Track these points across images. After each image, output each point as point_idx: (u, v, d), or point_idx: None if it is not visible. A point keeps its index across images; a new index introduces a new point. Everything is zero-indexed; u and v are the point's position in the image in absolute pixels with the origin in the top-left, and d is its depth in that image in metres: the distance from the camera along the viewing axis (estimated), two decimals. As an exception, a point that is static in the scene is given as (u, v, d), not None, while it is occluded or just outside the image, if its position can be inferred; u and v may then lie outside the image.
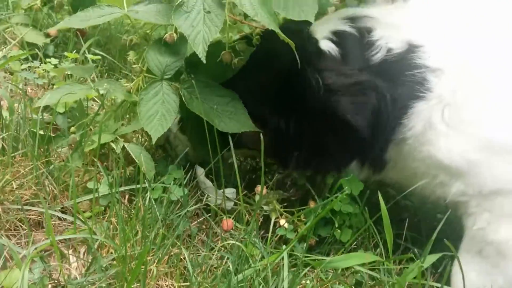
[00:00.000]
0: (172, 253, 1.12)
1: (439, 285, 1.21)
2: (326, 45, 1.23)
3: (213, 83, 1.34)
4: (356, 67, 1.19)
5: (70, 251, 1.11)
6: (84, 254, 1.12)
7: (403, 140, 1.21)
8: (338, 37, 1.24)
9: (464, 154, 1.15)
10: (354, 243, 1.36)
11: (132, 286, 1.01)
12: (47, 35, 2.19)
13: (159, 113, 1.23)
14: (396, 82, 1.17)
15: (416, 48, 1.17)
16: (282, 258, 1.12)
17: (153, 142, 1.20)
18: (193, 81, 1.28)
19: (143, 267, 0.98)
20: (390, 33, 1.20)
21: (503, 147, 1.12)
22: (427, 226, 1.51)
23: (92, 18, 1.31)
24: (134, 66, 1.33)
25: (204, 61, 1.13)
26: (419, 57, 1.16)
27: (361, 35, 1.22)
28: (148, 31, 1.38)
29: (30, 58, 2.02)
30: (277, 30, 1.13)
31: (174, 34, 1.25)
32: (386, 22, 1.23)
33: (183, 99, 1.29)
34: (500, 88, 1.15)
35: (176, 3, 1.16)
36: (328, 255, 1.33)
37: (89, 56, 1.99)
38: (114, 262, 1.04)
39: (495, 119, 1.14)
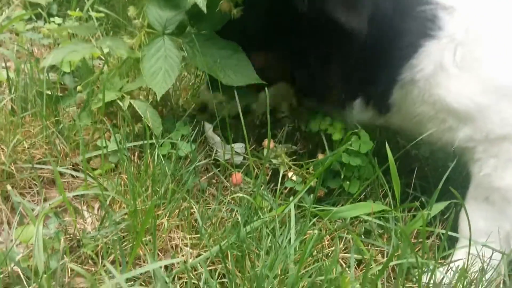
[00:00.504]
0: (182, 207, 1.15)
1: (442, 231, 1.22)
2: None
3: (215, 36, 1.31)
4: None
5: (84, 207, 1.14)
6: (98, 209, 1.15)
7: (412, 82, 1.18)
8: None
9: (474, 97, 1.13)
10: (363, 194, 1.38)
11: (144, 238, 1.05)
12: (51, -5, 2.17)
13: (162, 69, 1.23)
14: (408, 13, 1.14)
15: None
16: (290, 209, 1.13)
17: (158, 98, 1.20)
18: (193, 35, 1.26)
19: (153, 220, 1.00)
20: None
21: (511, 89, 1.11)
22: (436, 175, 1.51)
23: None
24: (134, 21, 1.31)
25: (205, 11, 1.11)
26: None
27: None
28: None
29: (34, 18, 2.01)
30: None
31: None
32: None
33: (186, 54, 1.28)
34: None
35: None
36: (337, 206, 1.36)
37: (93, 14, 1.97)
38: (126, 216, 1.07)
39: (507, 61, 1.12)
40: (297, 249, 1.07)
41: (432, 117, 1.21)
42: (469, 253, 1.14)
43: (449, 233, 1.25)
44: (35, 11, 1.98)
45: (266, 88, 1.32)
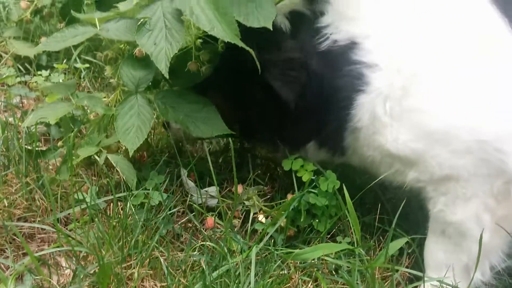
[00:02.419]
0: (152, 256, 1.22)
1: (403, 268, 1.28)
2: (281, 20, 1.30)
3: (186, 91, 1.42)
4: (297, 44, 1.27)
5: (62, 259, 1.22)
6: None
7: (357, 129, 1.28)
8: (293, 16, 1.31)
9: (408, 143, 1.21)
10: (333, 231, 1.45)
11: (116, 289, 1.12)
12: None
13: (135, 125, 1.32)
14: (338, 73, 1.25)
15: (355, 45, 1.23)
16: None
17: (130, 154, 1.28)
18: (166, 92, 1.36)
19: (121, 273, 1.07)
20: (337, 23, 1.26)
21: (441, 135, 1.18)
22: (407, 208, 1.57)
23: (67, 39, 1.39)
24: (111, 80, 1.41)
25: (167, 77, 1.20)
26: (356, 54, 1.23)
27: (314, 16, 1.28)
28: (121, 46, 1.45)
29: (23, 70, 2.12)
30: (235, 41, 1.19)
31: (143, 49, 1.32)
32: (337, 10, 1.28)
33: (158, 109, 1.37)
34: (434, 79, 1.20)
35: (139, 23, 1.23)
36: (308, 244, 1.42)
37: (79, 65, 2.08)
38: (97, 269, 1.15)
39: (432, 109, 1.19)
40: (260, 292, 1.14)
41: (381, 161, 1.29)
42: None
43: (409, 270, 1.32)
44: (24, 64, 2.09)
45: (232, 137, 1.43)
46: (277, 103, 1.28)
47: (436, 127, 1.18)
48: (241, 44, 1.20)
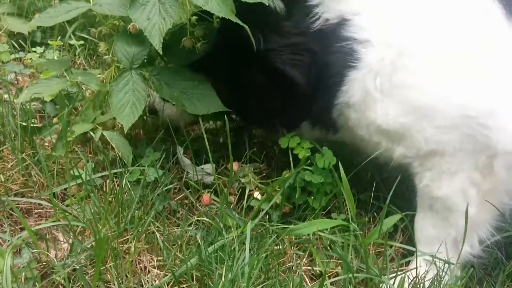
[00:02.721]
0: (148, 231, 1.24)
1: (396, 244, 1.30)
2: (275, 2, 1.30)
3: (182, 68, 1.41)
4: (297, 29, 1.28)
5: (59, 234, 1.24)
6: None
7: (348, 106, 1.29)
8: None
9: (397, 118, 1.23)
10: (328, 208, 1.46)
11: (113, 263, 1.14)
12: (34, 21, 2.25)
13: (130, 102, 1.32)
14: (330, 49, 1.26)
15: (346, 22, 1.24)
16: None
17: (125, 131, 1.28)
18: (160, 68, 1.35)
19: (118, 247, 1.09)
20: (328, 2, 1.27)
21: (428, 110, 1.20)
22: (402, 186, 1.58)
23: (60, 14, 1.38)
24: (105, 57, 1.40)
25: (161, 52, 1.20)
26: (347, 31, 1.24)
27: None
28: (115, 22, 1.43)
29: (17, 47, 2.10)
30: (230, 17, 1.19)
31: (136, 24, 1.31)
32: None
33: (153, 86, 1.36)
34: (422, 55, 1.21)
35: (133, -3, 1.21)
36: (303, 220, 1.44)
37: (73, 42, 2.07)
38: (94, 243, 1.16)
39: (420, 84, 1.21)
40: (255, 266, 1.16)
41: (371, 138, 1.30)
42: (416, 263, 1.23)
43: (403, 245, 1.35)
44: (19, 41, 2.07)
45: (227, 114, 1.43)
46: (278, 84, 1.29)
47: (423, 102, 1.20)
48: (235, 19, 1.19)
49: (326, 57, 1.26)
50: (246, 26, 1.20)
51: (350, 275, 1.18)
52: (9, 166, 1.34)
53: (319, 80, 1.28)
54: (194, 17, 1.37)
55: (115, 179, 1.39)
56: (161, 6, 1.20)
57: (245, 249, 1.18)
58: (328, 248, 1.34)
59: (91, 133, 1.38)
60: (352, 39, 1.23)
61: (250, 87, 1.38)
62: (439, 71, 1.20)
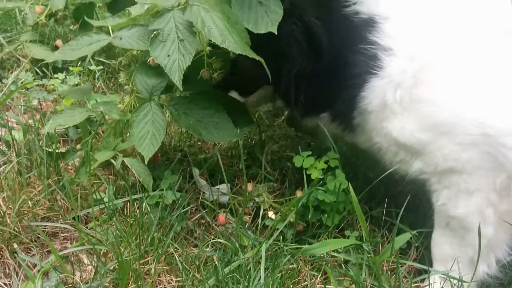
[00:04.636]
0: (168, 253, 1.30)
1: (408, 262, 1.33)
2: None
3: (198, 97, 1.47)
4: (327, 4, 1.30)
5: (84, 256, 1.30)
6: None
7: (367, 112, 1.29)
8: None
9: (415, 133, 1.23)
10: (341, 225, 1.50)
11: (135, 284, 1.20)
12: (55, 47, 2.36)
13: (149, 133, 1.38)
14: (354, 48, 1.25)
15: (374, 24, 1.24)
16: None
17: (146, 162, 1.35)
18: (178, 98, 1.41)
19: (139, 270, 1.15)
20: None
21: (448, 127, 1.20)
22: (416, 202, 1.61)
23: (82, 47, 1.45)
24: (125, 87, 1.47)
25: (181, 88, 1.26)
26: (373, 34, 1.23)
27: None
28: (135, 53, 1.51)
29: (40, 73, 2.21)
30: (246, 53, 1.23)
31: (156, 61, 1.36)
32: None
33: (171, 116, 1.43)
34: (444, 71, 1.22)
35: (152, 34, 1.28)
36: (319, 237, 1.47)
37: (93, 68, 2.16)
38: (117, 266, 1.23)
39: (440, 100, 1.21)
40: (270, 287, 1.20)
41: (387, 148, 1.30)
42: (429, 280, 1.24)
43: (414, 264, 1.37)
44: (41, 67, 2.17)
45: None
46: (304, 38, 1.28)
47: (443, 118, 1.20)
48: (252, 54, 1.24)
49: (350, 54, 1.25)
50: (262, 60, 1.25)
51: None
52: (36, 192, 1.42)
53: (340, 73, 1.27)
54: (208, 48, 1.41)
55: (135, 202, 1.46)
56: (180, 43, 1.26)
57: (260, 269, 1.23)
58: (342, 266, 1.38)
59: (112, 161, 1.45)
60: (377, 45, 1.22)
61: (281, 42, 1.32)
62: (460, 88, 1.20)
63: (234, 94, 1.56)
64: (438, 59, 1.22)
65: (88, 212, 1.42)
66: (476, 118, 1.18)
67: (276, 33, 1.26)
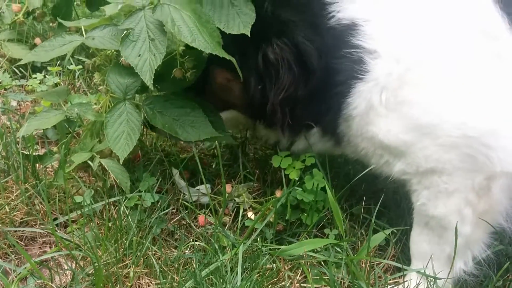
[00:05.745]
0: (146, 256, 1.30)
1: (384, 261, 1.34)
2: None
3: (173, 96, 1.46)
4: (313, 20, 1.28)
5: (63, 260, 1.30)
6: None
7: (351, 118, 1.29)
8: None
9: (399, 134, 1.24)
10: (321, 224, 1.51)
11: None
12: (35, 46, 2.32)
13: (124, 132, 1.37)
14: (338, 53, 1.25)
15: (356, 27, 1.23)
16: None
17: (121, 161, 1.34)
18: (153, 97, 1.40)
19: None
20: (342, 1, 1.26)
21: (430, 129, 1.21)
22: (396, 198, 1.63)
23: (55, 48, 1.44)
24: (100, 88, 1.46)
25: (152, 88, 1.25)
26: (356, 38, 1.23)
27: None
28: (108, 53, 1.49)
29: (18, 73, 2.18)
30: (217, 51, 1.23)
31: (127, 61, 1.35)
32: None
33: (146, 115, 1.42)
34: (431, 74, 1.22)
35: (123, 34, 1.27)
36: (299, 236, 1.49)
37: (72, 67, 2.14)
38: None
39: (423, 102, 1.22)
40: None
41: (373, 153, 1.32)
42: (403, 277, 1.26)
43: (390, 262, 1.39)
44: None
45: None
46: (292, 58, 1.26)
47: (426, 120, 1.21)
48: (222, 53, 1.23)
49: (334, 61, 1.25)
50: (233, 59, 1.25)
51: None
52: (13, 197, 1.41)
53: (326, 83, 1.27)
54: (181, 47, 1.39)
55: (113, 206, 1.45)
56: (151, 42, 1.25)
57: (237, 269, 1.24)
58: (322, 264, 1.39)
59: (89, 162, 1.44)
60: (362, 48, 1.22)
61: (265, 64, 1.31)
62: (443, 90, 1.21)
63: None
64: (421, 60, 1.23)
65: (66, 216, 1.41)
66: (457, 120, 1.19)
67: (249, 36, 1.24)
